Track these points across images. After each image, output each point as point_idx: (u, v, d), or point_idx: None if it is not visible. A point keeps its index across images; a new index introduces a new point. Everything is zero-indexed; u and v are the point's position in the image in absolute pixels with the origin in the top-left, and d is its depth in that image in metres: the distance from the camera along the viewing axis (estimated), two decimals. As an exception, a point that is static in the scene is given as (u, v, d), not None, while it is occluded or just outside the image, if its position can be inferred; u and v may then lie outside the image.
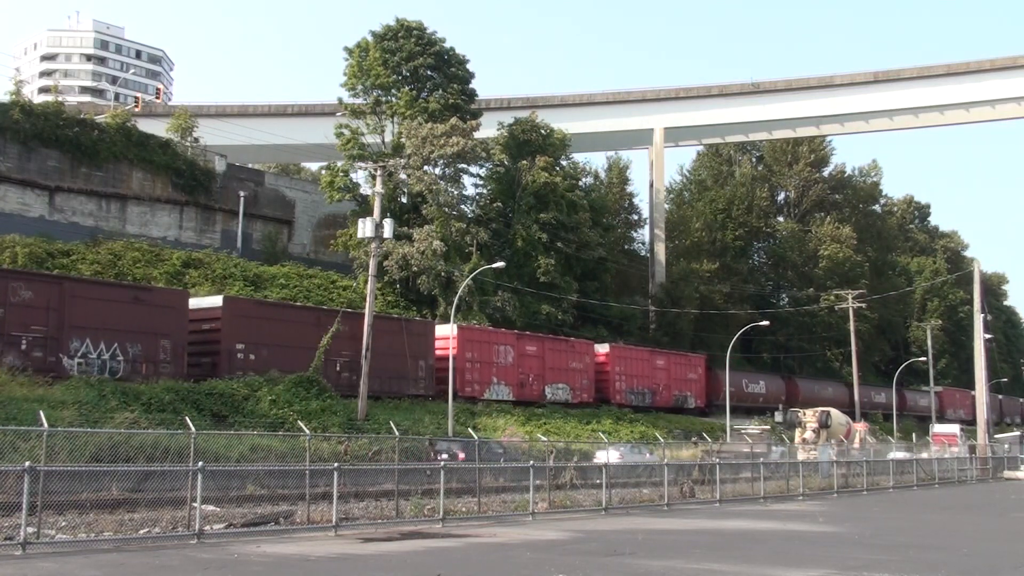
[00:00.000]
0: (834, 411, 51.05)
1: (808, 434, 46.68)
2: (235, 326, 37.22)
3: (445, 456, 31.17)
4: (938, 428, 68.66)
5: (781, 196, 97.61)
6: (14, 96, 49.54)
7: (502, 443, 36.44)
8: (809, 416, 47.92)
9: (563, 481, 28.59)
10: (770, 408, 67.97)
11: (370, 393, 38.64)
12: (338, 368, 39.97)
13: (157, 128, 55.99)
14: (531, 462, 26.91)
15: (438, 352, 45.33)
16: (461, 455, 32.19)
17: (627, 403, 56.30)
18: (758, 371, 74.18)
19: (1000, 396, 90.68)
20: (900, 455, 48.52)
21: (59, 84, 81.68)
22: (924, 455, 50.27)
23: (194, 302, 37.78)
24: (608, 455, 36.05)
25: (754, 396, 67.31)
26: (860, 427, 55.09)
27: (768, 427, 53.30)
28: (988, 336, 65.02)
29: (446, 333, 45.03)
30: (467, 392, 46.27)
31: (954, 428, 67.04)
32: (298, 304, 45.84)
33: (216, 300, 38.31)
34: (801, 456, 41.59)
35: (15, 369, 30.03)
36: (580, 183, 65.80)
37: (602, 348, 56.34)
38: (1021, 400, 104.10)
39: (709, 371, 64.85)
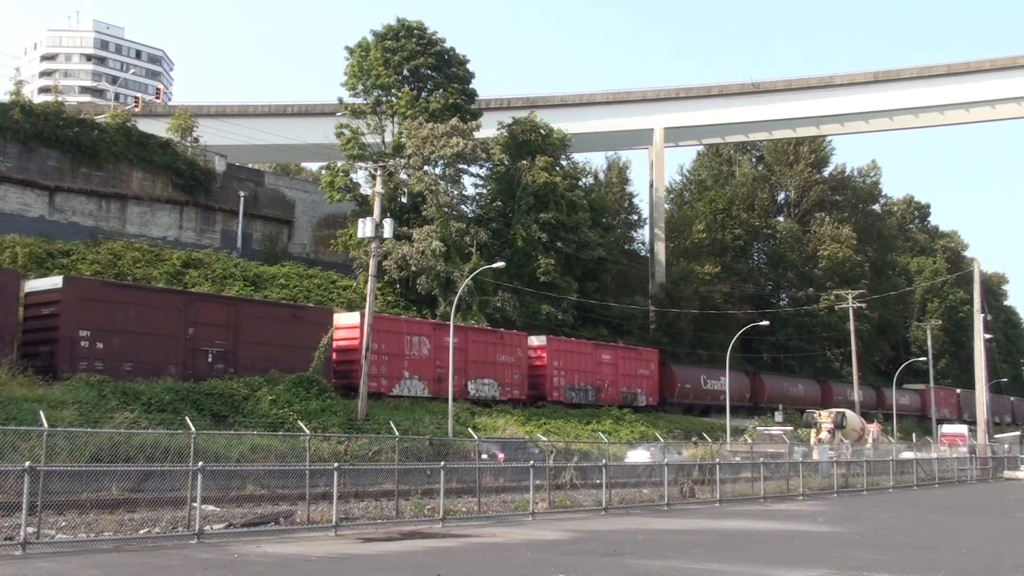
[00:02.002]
0: (849, 412, 51.57)
1: (823, 435, 47.21)
2: (79, 311, 33.14)
3: (484, 456, 31.32)
4: (946, 428, 68.60)
5: (781, 196, 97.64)
6: (14, 96, 49.51)
7: (538, 444, 36.43)
8: (825, 417, 48.53)
9: (563, 481, 28.64)
10: (732, 407, 65.42)
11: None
12: (210, 360, 36.74)
13: (157, 128, 55.95)
14: (531, 462, 26.93)
15: (340, 343, 41.71)
16: (500, 455, 32.41)
17: (566, 400, 52.26)
18: (719, 367, 68.16)
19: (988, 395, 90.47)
20: (908, 455, 48.79)
21: (59, 84, 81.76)
22: (932, 455, 50.45)
23: (33, 284, 34.65)
24: (639, 455, 36.46)
25: (714, 393, 62.82)
26: (873, 428, 55.57)
27: (791, 427, 53.29)
28: (988, 336, 65.05)
29: (349, 322, 42.36)
30: (372, 387, 41.28)
31: (962, 428, 66.88)
32: (159, 286, 41.81)
33: (56, 281, 34.47)
34: (816, 456, 41.97)
35: None
36: (580, 183, 65.75)
37: (538, 341, 52.21)
38: (1012, 399, 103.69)
39: (663, 367, 61.30)
